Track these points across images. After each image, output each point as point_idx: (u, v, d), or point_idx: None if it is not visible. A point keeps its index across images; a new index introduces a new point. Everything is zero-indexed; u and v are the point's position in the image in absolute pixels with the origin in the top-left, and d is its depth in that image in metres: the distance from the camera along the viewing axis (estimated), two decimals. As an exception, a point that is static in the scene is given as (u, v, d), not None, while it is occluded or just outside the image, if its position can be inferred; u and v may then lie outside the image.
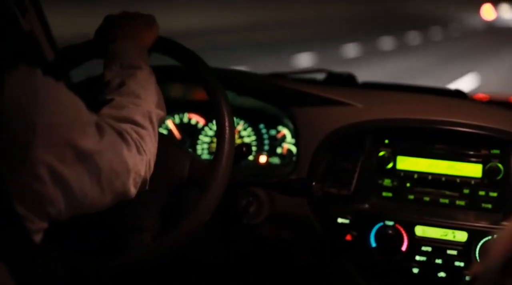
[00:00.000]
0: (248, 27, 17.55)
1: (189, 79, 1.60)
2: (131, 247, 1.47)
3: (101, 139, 1.21)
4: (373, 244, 1.86)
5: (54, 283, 1.22)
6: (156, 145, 1.39)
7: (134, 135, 1.31)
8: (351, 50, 15.99)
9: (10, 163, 1.09)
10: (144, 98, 1.41)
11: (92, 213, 1.25)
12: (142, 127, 1.35)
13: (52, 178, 1.12)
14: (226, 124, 1.49)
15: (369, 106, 1.95)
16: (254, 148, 2.18)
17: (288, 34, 17.53)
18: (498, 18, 31.22)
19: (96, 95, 1.44)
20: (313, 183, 1.70)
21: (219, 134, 1.49)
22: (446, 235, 1.82)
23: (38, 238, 1.16)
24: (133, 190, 1.30)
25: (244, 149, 1.66)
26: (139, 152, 1.30)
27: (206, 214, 1.45)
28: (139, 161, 1.30)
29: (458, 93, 2.23)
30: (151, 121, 1.39)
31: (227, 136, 1.48)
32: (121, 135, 1.27)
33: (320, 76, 2.46)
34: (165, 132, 2.24)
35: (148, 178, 1.35)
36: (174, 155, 1.59)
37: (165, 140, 1.49)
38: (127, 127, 1.31)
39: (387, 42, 18.34)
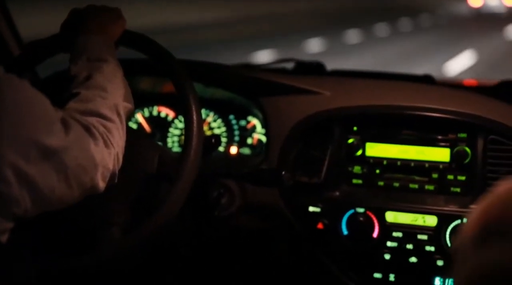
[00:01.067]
0: (216, 24, 17.52)
1: (158, 72, 1.60)
2: (101, 242, 1.47)
3: (67, 135, 1.20)
4: (345, 232, 1.87)
5: (23, 283, 1.21)
6: (124, 138, 1.38)
7: (101, 129, 1.30)
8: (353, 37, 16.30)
9: None
10: (111, 91, 1.40)
11: (59, 209, 1.24)
12: (109, 120, 1.34)
13: (17, 178, 1.11)
14: (194, 117, 1.49)
15: (337, 93, 1.95)
16: (224, 139, 2.18)
17: (254, 30, 17.48)
18: (485, 5, 31.53)
19: (63, 89, 1.43)
20: (283, 173, 1.71)
21: (186, 127, 1.49)
22: (416, 220, 1.83)
23: (3, 238, 1.14)
24: (101, 185, 1.29)
25: (213, 140, 1.67)
26: (106, 145, 1.30)
27: (175, 207, 1.45)
28: (107, 155, 1.29)
29: (426, 79, 2.25)
30: (118, 114, 1.38)
31: (194, 129, 1.48)
32: (87, 129, 1.27)
33: (289, 66, 2.46)
34: (134, 126, 2.24)
35: (116, 172, 1.34)
36: (143, 148, 1.59)
37: (133, 134, 1.49)
38: (93, 120, 1.30)
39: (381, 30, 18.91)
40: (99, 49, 1.48)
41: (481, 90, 2.05)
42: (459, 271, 0.83)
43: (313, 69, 2.37)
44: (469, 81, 2.45)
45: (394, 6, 25.75)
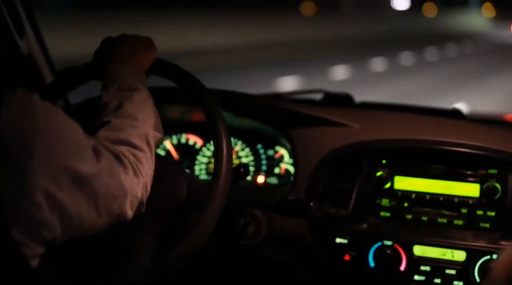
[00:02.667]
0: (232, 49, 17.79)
1: (187, 100, 1.61)
2: (127, 269, 1.46)
3: (98, 162, 1.21)
4: (372, 264, 1.86)
5: None
6: (153, 167, 1.39)
7: (131, 158, 1.31)
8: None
9: (7, 188, 1.09)
10: (141, 120, 1.41)
11: (88, 235, 1.25)
12: (139, 149, 1.35)
13: (49, 203, 1.12)
14: (224, 146, 1.50)
15: (366, 126, 1.95)
16: (251, 169, 2.18)
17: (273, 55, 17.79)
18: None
19: (93, 117, 1.44)
20: (311, 204, 1.71)
21: (216, 155, 1.50)
22: (444, 255, 1.82)
23: (35, 263, 1.15)
24: (130, 213, 1.30)
25: (241, 170, 1.67)
26: (136, 174, 1.30)
27: (204, 236, 1.45)
28: (136, 184, 1.30)
29: (455, 113, 2.24)
30: (148, 143, 1.39)
31: (224, 158, 1.49)
32: (118, 158, 1.28)
33: (318, 96, 2.47)
34: (163, 153, 2.25)
35: (145, 200, 1.35)
36: (172, 176, 1.59)
37: (163, 161, 1.49)
38: (124, 149, 1.31)
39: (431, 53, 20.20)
40: (130, 78, 1.50)
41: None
42: None
43: (341, 100, 2.37)
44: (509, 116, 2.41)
45: (440, 33, 26.71)
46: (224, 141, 1.50)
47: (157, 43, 1.63)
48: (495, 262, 1.73)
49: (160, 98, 1.61)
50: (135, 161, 1.32)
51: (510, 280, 0.80)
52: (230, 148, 1.51)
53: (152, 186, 1.38)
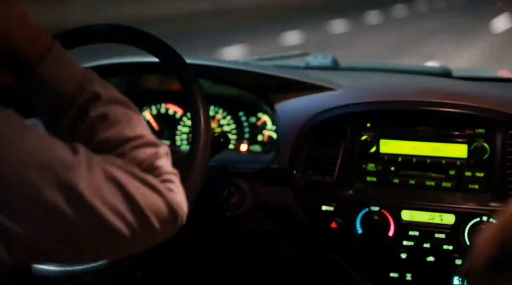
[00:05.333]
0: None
1: (165, 69, 1.55)
2: None
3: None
4: (359, 231, 1.82)
5: None
6: None
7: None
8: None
9: None
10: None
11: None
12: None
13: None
14: (201, 119, 1.44)
15: (349, 89, 1.90)
16: (234, 137, 2.13)
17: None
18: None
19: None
20: (294, 172, 1.66)
21: (194, 129, 1.45)
22: (433, 219, 1.78)
23: None
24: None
25: (221, 139, 1.62)
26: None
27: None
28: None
29: (443, 71, 2.19)
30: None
31: (202, 131, 1.43)
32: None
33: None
34: (142, 123, 2.19)
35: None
36: None
37: None
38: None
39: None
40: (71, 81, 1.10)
41: (500, 81, 1.98)
42: None
43: (325, 63, 2.31)
44: (502, 72, 2.34)
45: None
46: (202, 114, 1.45)
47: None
48: (480, 236, 1.69)
49: (139, 69, 1.54)
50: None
51: (491, 267, 0.75)
52: (208, 121, 1.46)
53: None
